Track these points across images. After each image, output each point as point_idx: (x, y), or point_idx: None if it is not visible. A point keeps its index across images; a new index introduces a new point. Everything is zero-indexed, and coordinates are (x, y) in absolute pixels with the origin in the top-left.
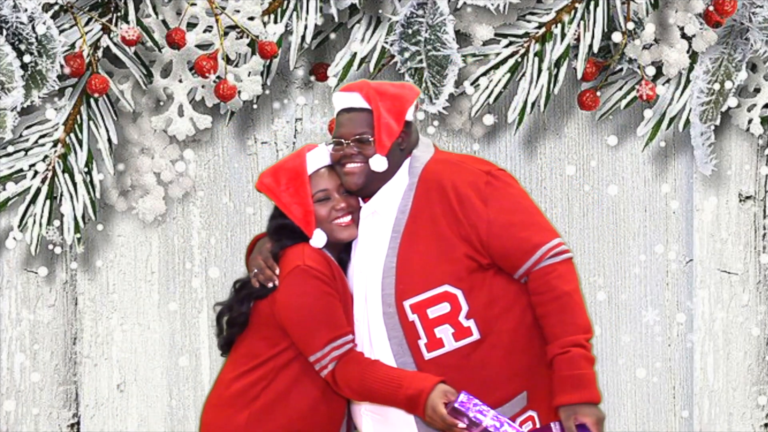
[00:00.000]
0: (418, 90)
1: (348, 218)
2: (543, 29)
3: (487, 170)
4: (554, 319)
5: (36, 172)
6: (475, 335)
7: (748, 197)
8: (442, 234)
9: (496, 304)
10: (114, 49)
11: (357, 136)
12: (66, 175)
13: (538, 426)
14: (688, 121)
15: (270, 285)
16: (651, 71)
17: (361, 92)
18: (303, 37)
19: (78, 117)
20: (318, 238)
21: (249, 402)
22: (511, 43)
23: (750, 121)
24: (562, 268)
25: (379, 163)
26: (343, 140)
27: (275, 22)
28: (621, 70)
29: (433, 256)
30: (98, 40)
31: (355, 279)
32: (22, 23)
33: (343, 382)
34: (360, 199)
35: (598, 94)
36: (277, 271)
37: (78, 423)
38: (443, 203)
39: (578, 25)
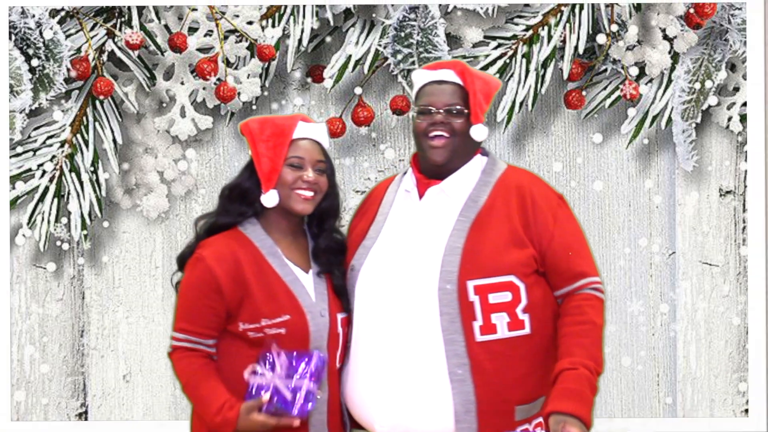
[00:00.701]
0: (500, 82)
1: (310, 193)
2: (530, 31)
3: (558, 195)
4: (574, 341)
5: (44, 172)
6: (527, 330)
7: (728, 192)
8: (515, 230)
9: (548, 307)
10: (118, 53)
11: (448, 107)
12: (73, 174)
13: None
14: (670, 119)
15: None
16: (634, 71)
17: (455, 69)
18: (300, 40)
19: (84, 118)
20: (270, 197)
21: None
22: (499, 45)
23: (729, 119)
24: (597, 302)
25: (479, 131)
26: (432, 108)
27: (273, 26)
28: (605, 70)
29: (503, 246)
30: (103, 44)
31: (396, 248)
32: (30, 29)
33: (177, 371)
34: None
35: (584, 93)
36: None
37: (86, 412)
38: (520, 205)
39: (564, 28)
